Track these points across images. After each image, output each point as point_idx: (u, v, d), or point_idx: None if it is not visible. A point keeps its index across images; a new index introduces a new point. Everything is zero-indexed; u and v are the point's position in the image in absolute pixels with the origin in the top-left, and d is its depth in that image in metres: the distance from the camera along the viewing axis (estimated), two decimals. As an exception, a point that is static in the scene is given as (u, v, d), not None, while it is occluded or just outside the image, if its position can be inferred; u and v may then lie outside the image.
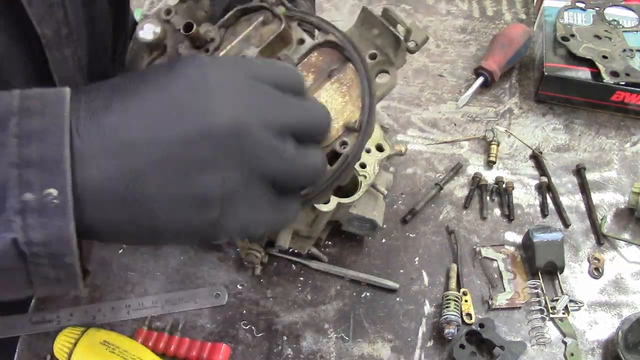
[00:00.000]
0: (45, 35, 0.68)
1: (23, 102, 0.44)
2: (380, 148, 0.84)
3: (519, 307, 0.88)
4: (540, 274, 0.90)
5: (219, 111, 0.46)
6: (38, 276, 0.44)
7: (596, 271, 0.92)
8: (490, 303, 0.88)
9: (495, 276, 0.90)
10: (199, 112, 0.45)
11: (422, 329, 0.86)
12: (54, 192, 0.42)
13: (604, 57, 1.06)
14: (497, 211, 0.97)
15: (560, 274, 0.90)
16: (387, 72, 0.66)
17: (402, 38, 0.64)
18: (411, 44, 0.65)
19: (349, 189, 0.82)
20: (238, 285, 0.87)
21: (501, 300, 0.88)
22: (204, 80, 0.46)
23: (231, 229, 0.49)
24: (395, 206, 0.96)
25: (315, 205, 0.76)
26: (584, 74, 1.06)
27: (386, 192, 0.87)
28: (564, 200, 0.98)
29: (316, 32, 0.68)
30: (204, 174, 0.46)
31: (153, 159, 0.45)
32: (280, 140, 0.48)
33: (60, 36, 0.71)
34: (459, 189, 0.99)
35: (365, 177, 0.81)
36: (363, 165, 0.82)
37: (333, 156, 0.59)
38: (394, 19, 0.64)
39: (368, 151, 0.84)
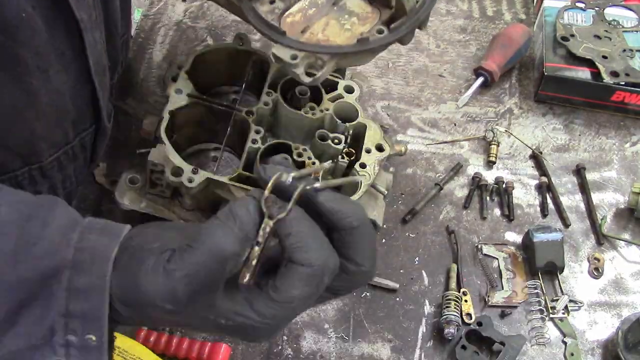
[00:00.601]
0: (83, 19, 0.71)
1: (76, 255, 0.52)
2: (380, 148, 0.84)
3: (516, 306, 0.88)
4: (540, 274, 0.90)
5: None
6: None
7: (596, 271, 0.92)
8: (486, 300, 0.88)
9: (495, 275, 0.90)
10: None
11: (422, 329, 0.86)
12: (93, 337, 0.52)
13: (604, 57, 1.06)
14: (497, 211, 0.97)
15: (560, 274, 0.90)
16: None
17: None
18: None
19: (349, 189, 0.82)
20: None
21: (498, 297, 0.88)
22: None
23: None
24: (395, 206, 0.96)
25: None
26: (584, 74, 1.06)
27: (386, 192, 0.87)
28: (564, 200, 0.98)
29: None
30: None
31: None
32: None
33: (92, 20, 0.74)
34: (459, 189, 0.99)
35: (365, 177, 0.81)
36: (363, 165, 0.82)
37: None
38: None
39: (368, 151, 0.84)
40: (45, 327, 0.52)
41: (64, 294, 0.52)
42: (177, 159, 0.77)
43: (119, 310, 0.53)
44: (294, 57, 0.70)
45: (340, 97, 0.86)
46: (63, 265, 0.52)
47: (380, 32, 0.74)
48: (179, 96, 0.82)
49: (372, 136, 0.85)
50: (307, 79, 0.71)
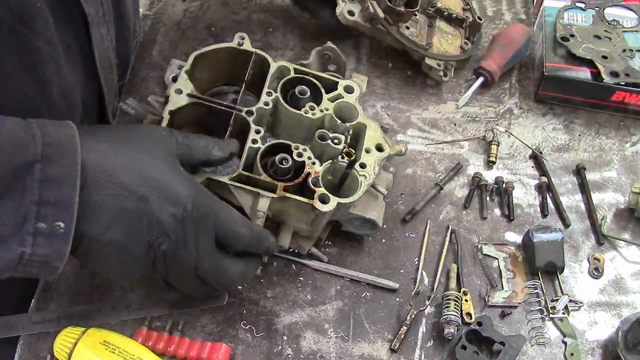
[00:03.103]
0: (90, 14, 0.73)
1: (45, 149, 0.57)
2: (380, 148, 0.84)
3: (516, 306, 0.88)
4: (540, 274, 0.90)
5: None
6: (22, 272, 0.60)
7: (596, 271, 0.92)
8: (486, 300, 0.88)
9: (495, 275, 0.90)
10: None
11: (422, 329, 0.86)
12: (61, 224, 0.58)
13: (604, 57, 1.06)
14: (497, 211, 0.97)
15: (560, 274, 0.90)
16: None
17: None
18: None
19: (349, 188, 0.82)
20: (238, 285, 0.87)
21: (498, 298, 0.88)
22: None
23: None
24: (395, 206, 0.96)
25: (315, 205, 0.76)
26: (584, 74, 1.06)
27: (386, 192, 0.86)
28: (564, 200, 0.98)
29: None
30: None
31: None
32: None
33: (99, 16, 0.77)
34: (459, 189, 0.99)
35: (365, 177, 0.81)
36: (363, 166, 0.82)
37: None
38: None
39: (368, 151, 0.84)
40: (18, 216, 0.56)
41: (36, 185, 0.56)
42: None
43: None
44: (439, 65, 1.08)
45: (340, 97, 0.86)
46: (34, 160, 0.56)
47: (466, 43, 1.14)
48: (179, 96, 0.82)
49: (372, 136, 0.85)
50: (445, 78, 1.09)
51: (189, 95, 0.82)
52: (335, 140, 0.82)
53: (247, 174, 0.78)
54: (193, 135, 0.74)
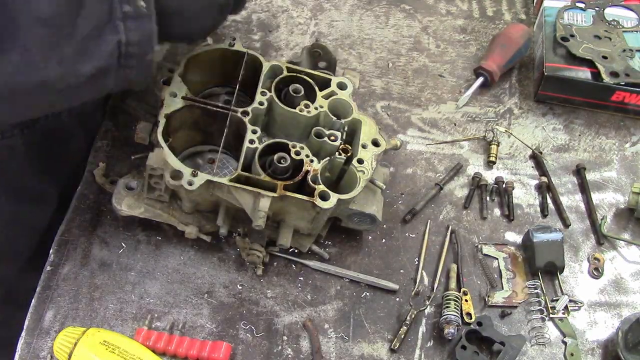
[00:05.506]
0: None
1: None
2: (376, 143, 0.85)
3: (516, 306, 0.88)
4: (540, 274, 0.90)
5: None
6: (120, 79, 0.69)
7: (596, 271, 0.92)
8: (486, 300, 0.88)
9: (495, 276, 0.90)
10: None
11: (422, 329, 0.86)
12: (143, 4, 0.65)
13: (604, 57, 1.06)
14: (497, 211, 0.97)
15: (560, 274, 0.90)
16: None
17: None
18: None
19: (348, 184, 0.82)
20: (238, 285, 0.87)
21: (498, 297, 0.88)
22: None
23: None
24: (395, 206, 0.96)
25: (316, 202, 0.76)
26: (584, 74, 1.06)
27: (384, 186, 0.87)
28: (564, 200, 0.99)
29: None
30: None
31: None
32: None
33: None
34: (459, 189, 0.99)
35: (364, 172, 0.81)
36: (360, 161, 0.82)
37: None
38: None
39: (364, 147, 0.84)
40: (105, 4, 0.64)
41: None
42: (176, 163, 0.77)
43: None
44: None
45: (333, 93, 0.86)
46: None
47: None
48: (173, 99, 0.82)
49: (368, 131, 0.85)
50: None
51: (183, 98, 0.82)
52: (332, 137, 0.82)
53: (246, 174, 0.78)
54: None
